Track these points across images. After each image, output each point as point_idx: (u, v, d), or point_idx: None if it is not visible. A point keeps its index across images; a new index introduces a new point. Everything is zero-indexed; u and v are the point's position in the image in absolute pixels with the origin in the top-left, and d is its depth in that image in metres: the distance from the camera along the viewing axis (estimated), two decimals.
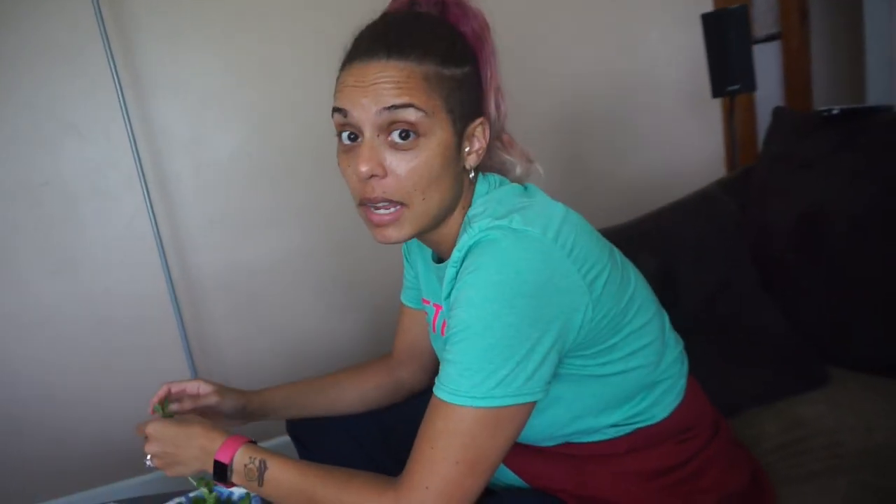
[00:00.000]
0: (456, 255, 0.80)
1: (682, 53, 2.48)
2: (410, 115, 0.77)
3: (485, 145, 0.86)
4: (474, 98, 0.85)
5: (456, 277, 0.80)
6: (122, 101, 1.88)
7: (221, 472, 0.86)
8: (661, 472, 0.89)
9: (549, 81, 2.36)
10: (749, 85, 2.07)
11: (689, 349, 1.02)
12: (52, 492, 2.07)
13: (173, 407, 1.05)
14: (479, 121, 0.85)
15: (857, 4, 2.82)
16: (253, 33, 2.03)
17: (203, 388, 1.07)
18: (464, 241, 0.79)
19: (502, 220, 0.77)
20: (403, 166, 0.79)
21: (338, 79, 0.84)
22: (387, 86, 0.78)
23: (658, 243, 1.54)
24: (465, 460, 0.73)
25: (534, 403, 0.77)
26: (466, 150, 0.85)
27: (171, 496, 1.05)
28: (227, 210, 2.09)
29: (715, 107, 2.57)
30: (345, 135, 0.83)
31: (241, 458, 0.85)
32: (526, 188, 0.90)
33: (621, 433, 0.89)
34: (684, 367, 0.96)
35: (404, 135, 0.79)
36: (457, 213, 0.87)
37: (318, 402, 1.14)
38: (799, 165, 1.47)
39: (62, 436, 2.06)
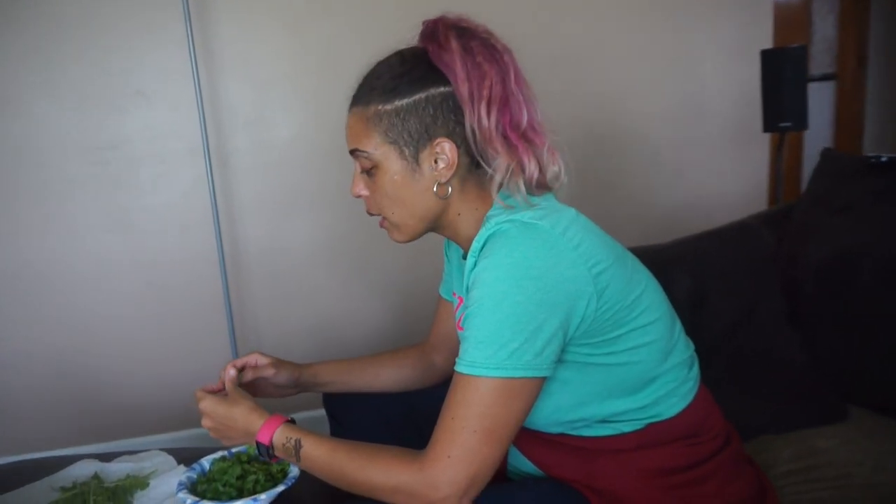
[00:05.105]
0: (475, 245, 0.91)
1: (736, 85, 2.49)
2: (361, 155, 0.96)
3: (452, 161, 0.93)
4: (430, 121, 0.92)
5: (475, 266, 0.89)
6: (195, 75, 1.96)
7: (264, 449, 0.96)
8: (667, 472, 0.94)
9: (597, 95, 2.39)
10: (801, 124, 2.10)
11: (711, 370, 1.07)
12: (92, 437, 2.16)
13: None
14: (436, 142, 0.92)
15: None
16: (322, 22, 2.12)
17: (260, 360, 1.17)
18: (481, 234, 0.90)
19: (515, 215, 0.88)
20: (372, 190, 0.98)
21: None
22: (348, 132, 0.99)
23: (693, 266, 1.59)
24: (482, 429, 0.81)
25: (543, 380, 0.85)
26: (439, 165, 0.94)
27: (215, 450, 1.14)
28: (279, 189, 2.17)
29: (762, 141, 2.58)
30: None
31: (278, 439, 0.95)
32: (542, 196, 0.97)
33: (632, 428, 0.95)
34: (692, 372, 1.01)
35: (366, 169, 0.98)
36: (471, 214, 0.97)
37: (360, 379, 1.24)
38: (839, 208, 1.50)
39: (103, 385, 2.15)
